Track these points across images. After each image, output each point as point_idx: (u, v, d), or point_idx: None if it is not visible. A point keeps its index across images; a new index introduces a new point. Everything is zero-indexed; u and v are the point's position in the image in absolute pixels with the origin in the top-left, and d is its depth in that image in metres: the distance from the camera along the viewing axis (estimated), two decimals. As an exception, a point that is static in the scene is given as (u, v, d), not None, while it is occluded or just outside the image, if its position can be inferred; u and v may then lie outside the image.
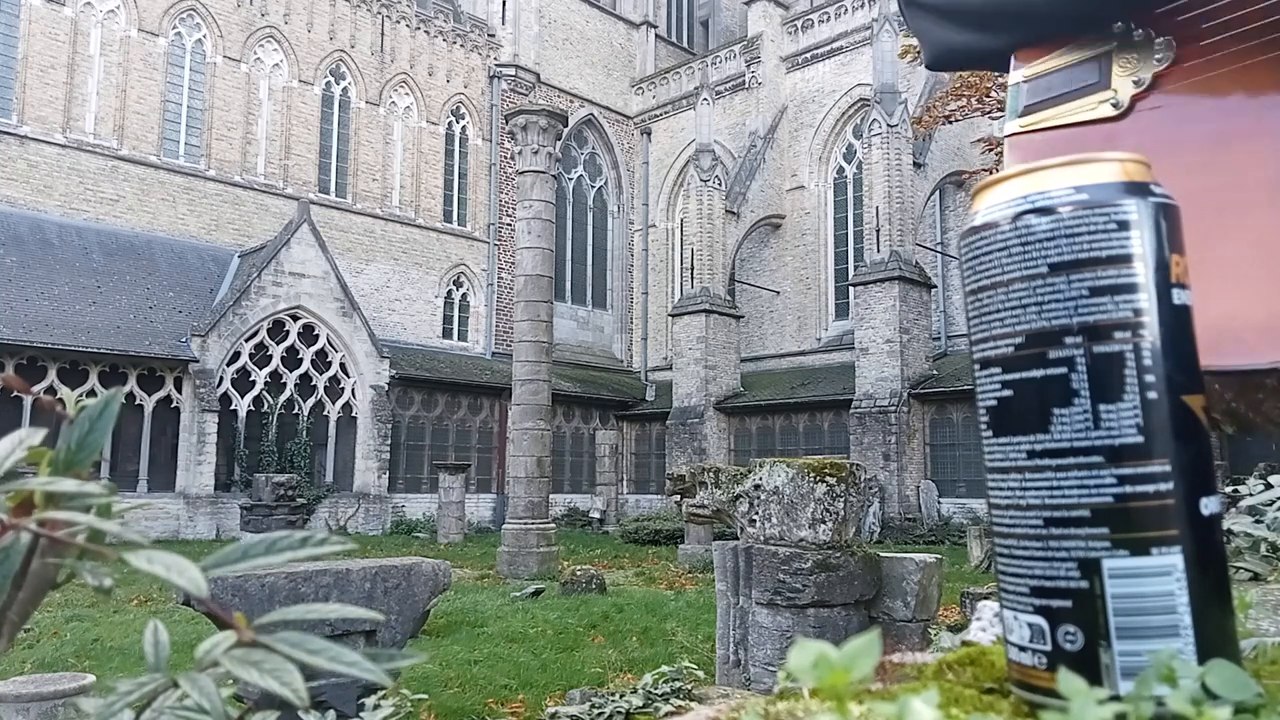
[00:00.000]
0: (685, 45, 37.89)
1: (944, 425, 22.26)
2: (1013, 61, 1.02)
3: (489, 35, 31.01)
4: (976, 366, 0.55)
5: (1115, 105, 0.94)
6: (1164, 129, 0.91)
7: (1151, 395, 0.49)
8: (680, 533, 17.59)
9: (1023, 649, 0.51)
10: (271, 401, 22.29)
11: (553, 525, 15.33)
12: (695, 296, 26.44)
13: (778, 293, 29.17)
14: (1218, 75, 0.91)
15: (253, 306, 21.95)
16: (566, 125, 16.65)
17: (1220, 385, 0.83)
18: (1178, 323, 0.50)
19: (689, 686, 4.56)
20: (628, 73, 35.09)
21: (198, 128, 25.09)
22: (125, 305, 21.02)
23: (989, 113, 17.79)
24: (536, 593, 11.66)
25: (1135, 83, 0.96)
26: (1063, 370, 0.50)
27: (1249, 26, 0.89)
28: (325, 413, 23.54)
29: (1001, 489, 0.53)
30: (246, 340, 21.89)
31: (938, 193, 24.89)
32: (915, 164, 23.08)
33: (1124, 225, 0.50)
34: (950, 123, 19.86)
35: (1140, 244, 0.50)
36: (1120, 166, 0.52)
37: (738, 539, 5.74)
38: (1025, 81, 1.00)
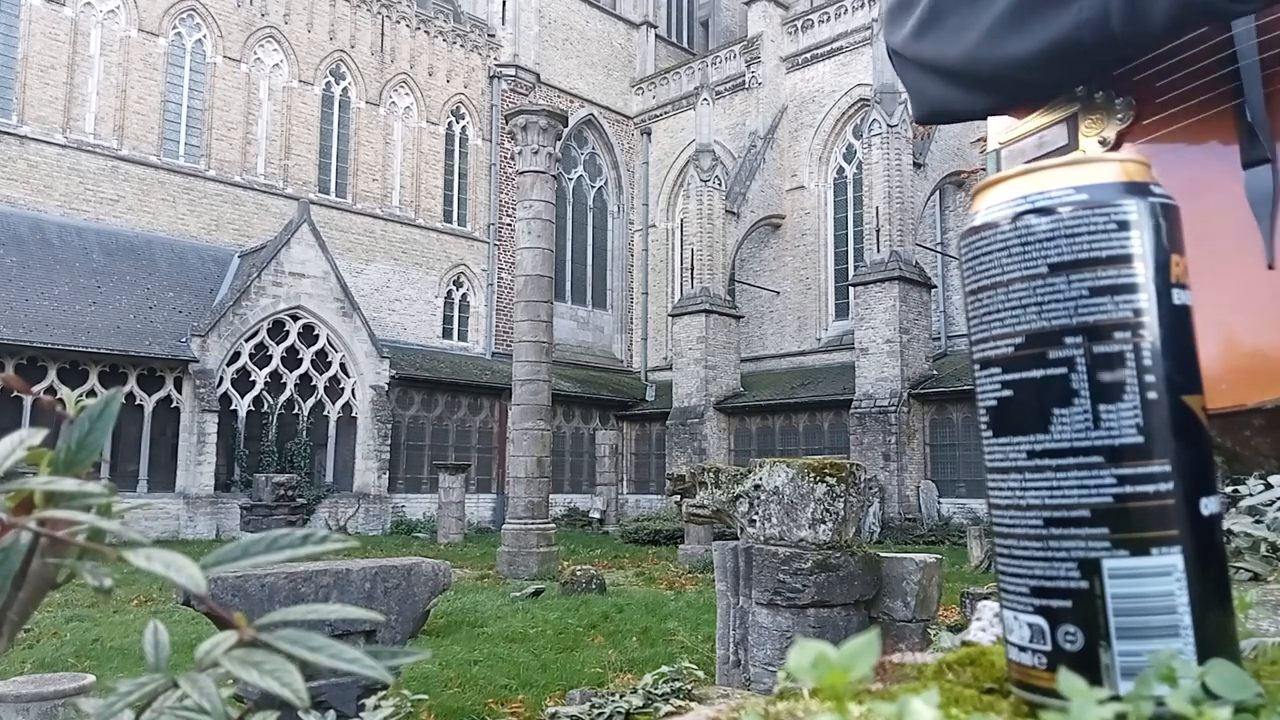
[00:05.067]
0: (685, 45, 37.89)
1: (944, 425, 22.26)
2: (990, 125, 1.05)
3: (489, 35, 31.01)
4: (976, 366, 0.55)
5: None
6: None
7: (1151, 395, 0.49)
8: (680, 533, 17.59)
9: (1023, 649, 0.51)
10: (271, 401, 22.28)
11: (553, 525, 15.33)
12: (695, 296, 26.44)
13: (778, 293, 29.17)
14: (1175, 130, 0.94)
15: (253, 306, 21.94)
16: (566, 125, 16.64)
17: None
18: (1178, 323, 0.50)
19: (689, 686, 4.56)
20: (628, 73, 35.09)
21: (198, 128, 25.09)
22: (125, 305, 21.02)
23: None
24: (536, 593, 11.66)
25: (1101, 142, 0.99)
26: (1063, 370, 0.50)
27: (1197, 83, 0.91)
28: (325, 413, 23.53)
29: (1001, 489, 0.53)
30: (246, 340, 21.89)
31: (938, 193, 24.88)
32: (915, 164, 23.08)
33: (1124, 225, 0.50)
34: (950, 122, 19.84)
35: (1140, 244, 0.50)
36: (1120, 167, 0.52)
37: (738, 539, 5.74)
38: (1002, 147, 1.04)
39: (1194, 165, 0.93)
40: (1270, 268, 0.83)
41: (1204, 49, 0.91)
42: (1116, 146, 0.99)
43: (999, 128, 1.05)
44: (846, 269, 26.91)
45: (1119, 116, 0.99)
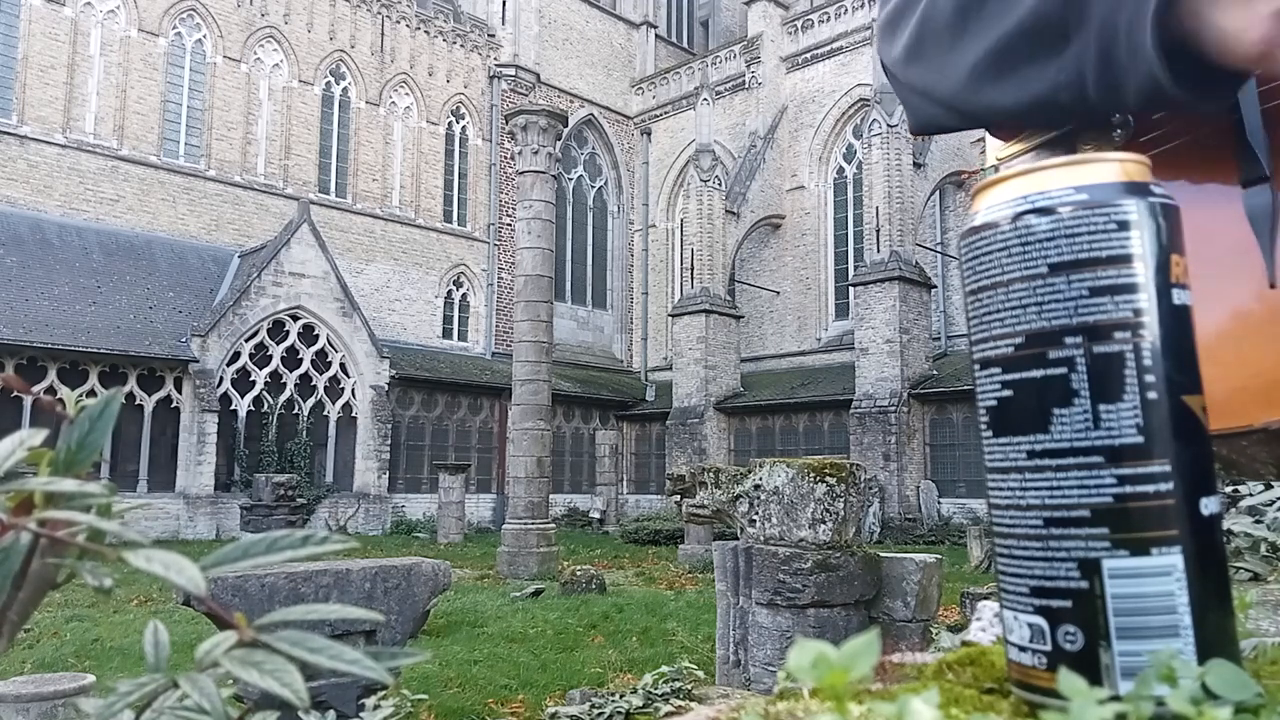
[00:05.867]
0: (685, 45, 37.89)
1: (944, 425, 22.26)
2: (986, 141, 1.04)
3: (489, 35, 31.01)
4: (976, 366, 0.55)
5: None
6: None
7: (1151, 395, 0.49)
8: (680, 533, 17.59)
9: (1023, 649, 0.51)
10: (271, 401, 22.29)
11: (553, 525, 15.33)
12: (695, 296, 26.44)
13: (778, 293, 29.17)
14: (1173, 147, 0.92)
15: (253, 307, 21.95)
16: (566, 125, 16.65)
17: None
18: (1177, 323, 0.50)
19: (689, 686, 4.56)
20: (628, 73, 35.09)
21: (198, 128, 25.10)
22: (125, 305, 21.02)
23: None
24: (536, 593, 11.66)
25: None
26: (1063, 370, 0.50)
27: None
28: (325, 413, 23.54)
29: (1001, 489, 0.53)
30: (246, 340, 21.89)
31: (938, 193, 24.89)
32: (915, 164, 23.08)
33: (1124, 225, 0.50)
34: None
35: (1140, 244, 0.50)
36: (1120, 166, 0.52)
37: (738, 539, 5.74)
38: (999, 163, 1.02)
39: (1194, 181, 0.92)
40: (1272, 286, 0.83)
41: None
42: None
43: (997, 142, 1.04)
44: (846, 269, 26.91)
45: (1116, 134, 0.98)
